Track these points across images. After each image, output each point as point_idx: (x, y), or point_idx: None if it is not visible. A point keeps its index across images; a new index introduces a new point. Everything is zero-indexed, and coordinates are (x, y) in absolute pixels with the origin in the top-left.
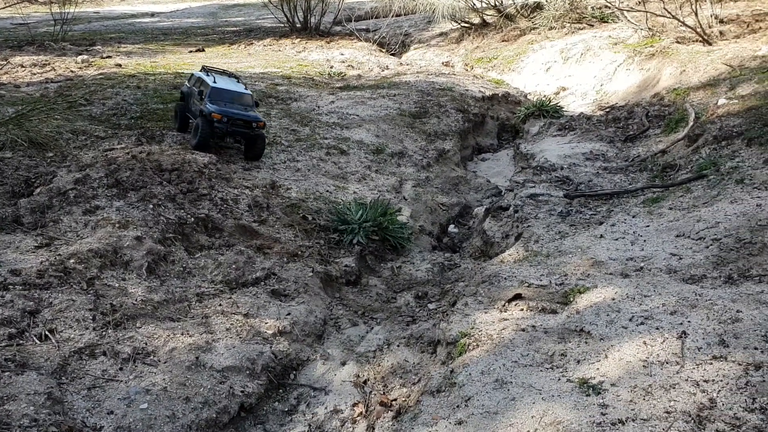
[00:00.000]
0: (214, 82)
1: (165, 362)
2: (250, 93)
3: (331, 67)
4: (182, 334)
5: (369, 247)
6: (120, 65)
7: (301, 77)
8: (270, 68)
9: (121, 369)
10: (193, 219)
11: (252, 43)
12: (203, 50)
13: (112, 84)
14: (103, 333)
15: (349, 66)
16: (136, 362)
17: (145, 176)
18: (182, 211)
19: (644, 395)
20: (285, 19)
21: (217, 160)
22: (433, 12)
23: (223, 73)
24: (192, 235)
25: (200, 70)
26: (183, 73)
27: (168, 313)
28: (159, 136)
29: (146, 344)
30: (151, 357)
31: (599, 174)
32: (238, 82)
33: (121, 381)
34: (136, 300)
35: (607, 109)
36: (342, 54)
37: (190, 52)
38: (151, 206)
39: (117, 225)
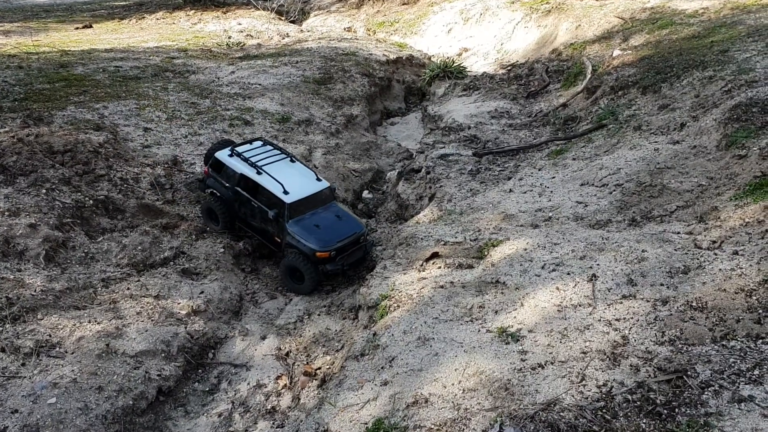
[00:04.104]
0: (285, 192)
1: (73, 353)
2: (326, 183)
3: (230, 38)
4: (90, 322)
5: None
6: None
7: (198, 49)
8: (165, 42)
9: (23, 364)
10: (91, 201)
11: (144, 17)
12: (91, 26)
13: None
14: (0, 329)
15: (248, 35)
16: (40, 356)
17: (35, 160)
18: (79, 193)
19: (561, 338)
20: None
21: (114, 139)
22: None
23: (258, 144)
24: (92, 219)
25: (230, 154)
26: (70, 51)
27: (72, 301)
28: (47, 118)
29: (50, 336)
30: (57, 349)
31: (505, 131)
32: (292, 160)
33: (25, 377)
34: (35, 291)
35: (509, 68)
36: (240, 24)
37: (77, 28)
38: (44, 191)
39: (7, 213)
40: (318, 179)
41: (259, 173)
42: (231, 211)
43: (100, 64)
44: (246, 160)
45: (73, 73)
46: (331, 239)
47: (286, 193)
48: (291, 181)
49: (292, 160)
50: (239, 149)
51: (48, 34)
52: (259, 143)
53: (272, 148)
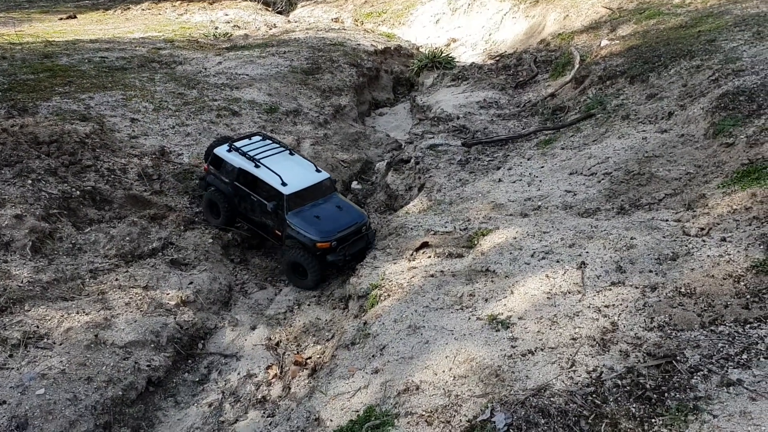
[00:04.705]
0: (283, 183)
1: (61, 344)
2: (326, 174)
3: (216, 28)
4: (78, 313)
5: None
6: None
7: (184, 40)
8: (151, 32)
9: (11, 356)
10: (78, 192)
11: (129, 8)
12: (75, 17)
13: None
14: None
15: (234, 26)
16: (27, 347)
17: (20, 150)
18: (66, 184)
19: (550, 325)
20: None
21: (100, 129)
22: None
23: (257, 138)
24: (79, 210)
25: (228, 150)
26: (54, 41)
27: (60, 292)
28: (32, 108)
29: (38, 327)
30: (45, 340)
31: (494, 121)
32: (291, 152)
33: (12, 368)
34: (21, 282)
35: (497, 58)
36: (226, 14)
37: (61, 19)
38: (29, 182)
39: None
40: (317, 170)
41: (257, 166)
42: (231, 206)
43: (85, 55)
44: (244, 154)
45: (57, 64)
46: (332, 229)
47: (284, 184)
48: (289, 172)
49: (291, 153)
50: (237, 144)
51: (31, 25)
52: (258, 138)
53: (271, 141)
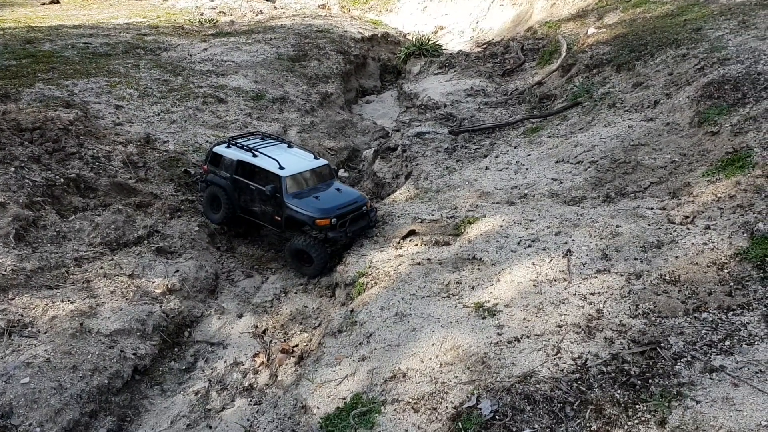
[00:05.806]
0: (280, 167)
1: (46, 332)
2: (325, 161)
3: (202, 14)
4: (63, 302)
5: None
6: None
7: (169, 26)
8: (135, 18)
9: None
10: (63, 180)
11: None
12: (58, 2)
13: None
14: None
15: (220, 12)
16: (12, 336)
17: (3, 137)
18: (50, 172)
19: (536, 312)
20: None
21: (84, 116)
22: None
23: (253, 135)
24: (63, 197)
25: (227, 146)
26: (36, 27)
27: (44, 281)
28: (14, 95)
29: (22, 316)
30: (30, 328)
31: (481, 109)
32: (290, 145)
33: None
34: (5, 270)
35: (485, 46)
36: (212, 0)
37: (43, 4)
38: (12, 169)
39: None
40: (316, 158)
41: (255, 156)
42: (231, 199)
43: (69, 41)
44: (242, 147)
45: (40, 50)
46: (331, 207)
47: (281, 168)
48: (287, 158)
49: (290, 146)
50: (236, 140)
51: (13, 10)
52: (257, 136)
53: (269, 137)
